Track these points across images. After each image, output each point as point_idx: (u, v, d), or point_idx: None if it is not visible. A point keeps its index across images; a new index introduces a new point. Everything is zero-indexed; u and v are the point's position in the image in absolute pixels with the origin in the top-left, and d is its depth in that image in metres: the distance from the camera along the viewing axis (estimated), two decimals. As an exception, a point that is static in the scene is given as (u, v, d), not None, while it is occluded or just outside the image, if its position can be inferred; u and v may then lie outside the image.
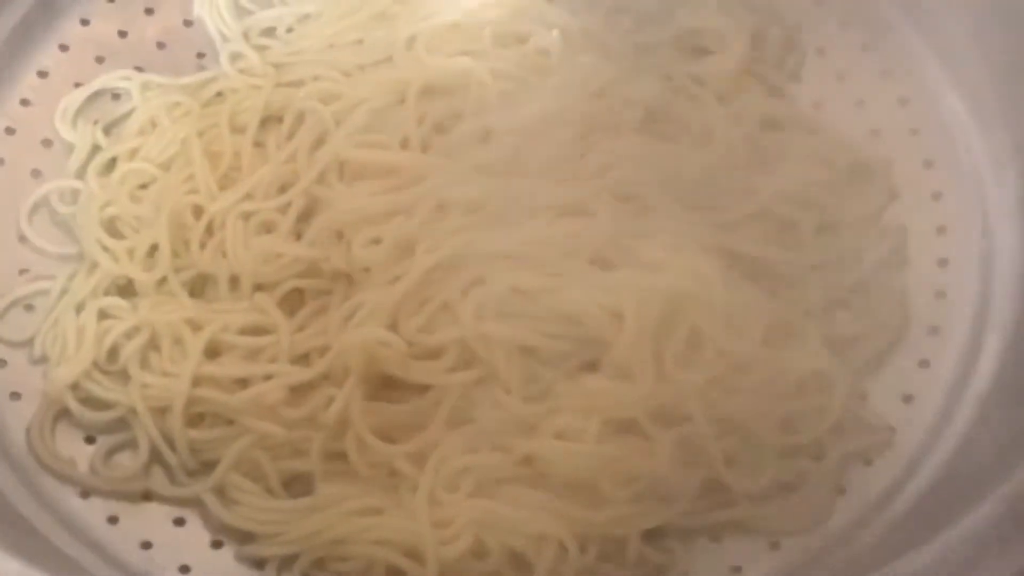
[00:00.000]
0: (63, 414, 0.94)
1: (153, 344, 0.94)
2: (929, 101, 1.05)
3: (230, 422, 0.92)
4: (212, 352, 0.93)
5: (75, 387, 0.93)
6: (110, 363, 0.94)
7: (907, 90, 1.05)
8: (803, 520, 0.92)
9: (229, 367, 0.92)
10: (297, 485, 0.91)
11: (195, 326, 0.93)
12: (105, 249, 0.96)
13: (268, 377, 0.92)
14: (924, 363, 0.97)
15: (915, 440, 0.95)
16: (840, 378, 0.93)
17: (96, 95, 1.04)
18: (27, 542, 0.88)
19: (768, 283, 0.96)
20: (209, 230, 0.96)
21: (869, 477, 0.93)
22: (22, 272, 0.98)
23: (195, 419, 0.92)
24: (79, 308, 0.95)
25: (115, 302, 0.95)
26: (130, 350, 0.93)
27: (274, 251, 0.94)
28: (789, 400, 0.92)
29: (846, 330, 0.96)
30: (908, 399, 0.96)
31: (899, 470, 0.94)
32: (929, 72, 1.05)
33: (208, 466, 0.92)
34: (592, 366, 0.91)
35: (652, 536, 0.90)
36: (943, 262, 1.00)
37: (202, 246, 0.96)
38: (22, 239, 0.99)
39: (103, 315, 0.95)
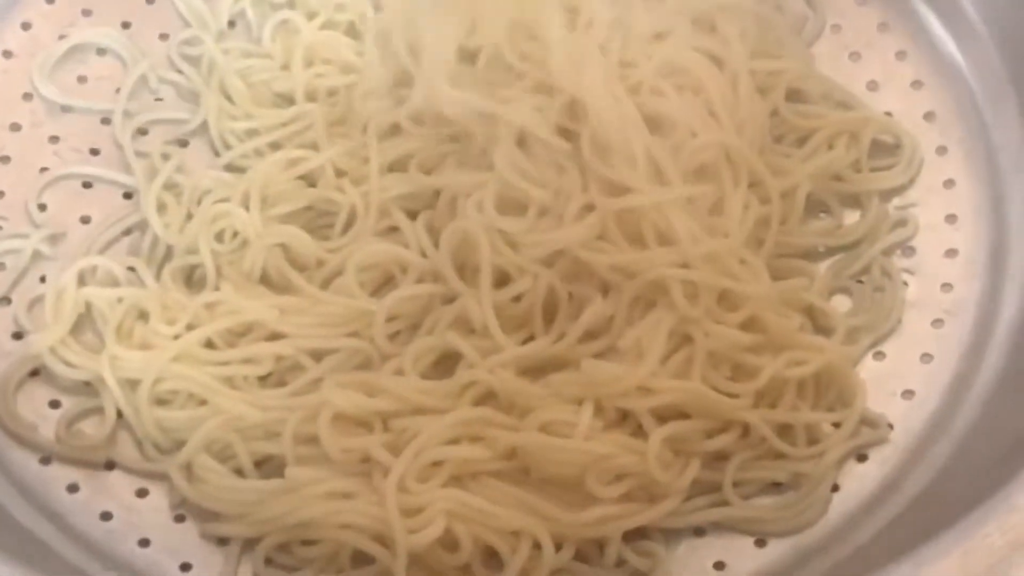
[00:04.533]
0: (30, 377, 0.92)
1: (140, 315, 0.92)
2: (945, 84, 1.02)
3: (203, 402, 0.89)
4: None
5: (52, 350, 0.91)
6: (85, 330, 0.92)
7: (922, 73, 1.03)
8: (796, 522, 0.89)
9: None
10: (268, 467, 0.89)
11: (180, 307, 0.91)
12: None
13: (248, 360, 0.90)
14: (927, 357, 0.94)
15: (913, 437, 0.92)
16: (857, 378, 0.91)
17: (78, 48, 1.02)
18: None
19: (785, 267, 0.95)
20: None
21: (863, 474, 0.91)
22: (-7, 228, 0.97)
23: (167, 396, 0.90)
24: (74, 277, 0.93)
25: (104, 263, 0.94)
26: (111, 319, 0.91)
27: None
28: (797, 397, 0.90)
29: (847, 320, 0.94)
30: (908, 394, 0.93)
31: (895, 468, 0.91)
32: (944, 55, 1.03)
33: (179, 444, 0.89)
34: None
35: (633, 535, 0.88)
36: (952, 252, 0.97)
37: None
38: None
39: (83, 281, 0.93)
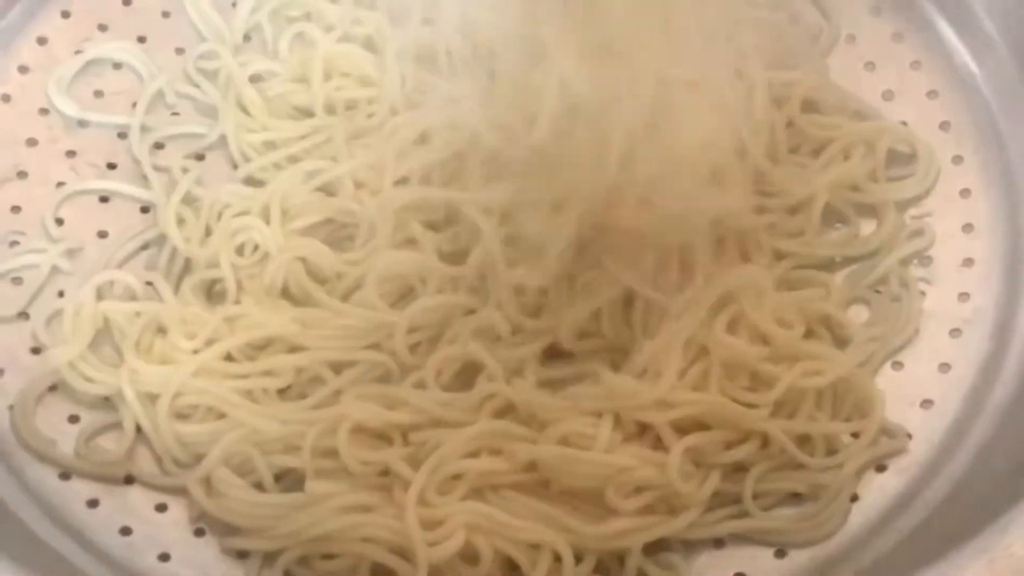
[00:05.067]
0: (49, 392, 0.92)
1: (159, 330, 0.92)
2: (960, 94, 1.02)
3: (222, 415, 0.89)
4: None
5: (71, 365, 0.91)
6: (104, 344, 0.92)
7: (937, 83, 1.02)
8: (816, 533, 0.89)
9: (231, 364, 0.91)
10: (288, 481, 0.89)
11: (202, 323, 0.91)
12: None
13: (267, 372, 0.90)
14: (944, 367, 0.94)
15: (932, 447, 0.91)
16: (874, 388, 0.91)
17: (94, 63, 1.02)
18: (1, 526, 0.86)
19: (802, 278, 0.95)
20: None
21: (883, 484, 0.90)
22: (12, 244, 0.96)
23: (187, 410, 0.90)
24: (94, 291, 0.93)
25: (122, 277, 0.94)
26: (129, 334, 0.91)
27: None
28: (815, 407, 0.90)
29: (864, 330, 0.94)
30: (927, 404, 0.93)
31: (914, 478, 0.90)
32: (959, 64, 1.03)
33: (198, 458, 0.89)
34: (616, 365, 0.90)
35: (653, 547, 0.87)
36: (969, 262, 0.97)
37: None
38: (15, 209, 0.97)
39: (101, 295, 0.93)
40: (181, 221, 0.95)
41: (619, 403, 0.87)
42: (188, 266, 0.94)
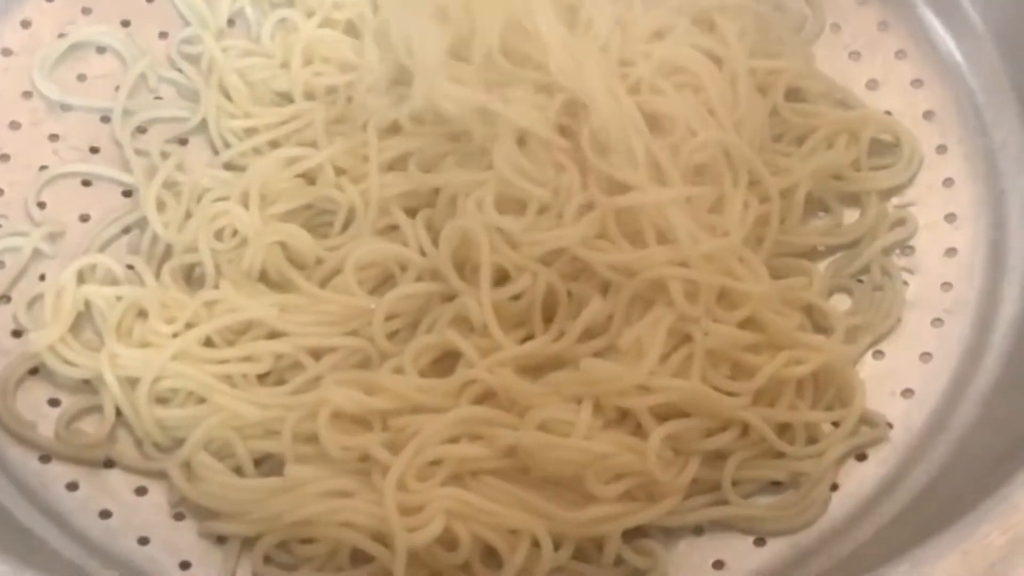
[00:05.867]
0: (29, 375, 0.92)
1: (140, 313, 0.91)
2: (944, 83, 1.02)
3: (202, 400, 0.89)
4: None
5: (52, 349, 0.91)
6: (85, 328, 0.92)
7: (922, 72, 1.02)
8: (796, 521, 0.89)
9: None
10: (267, 466, 0.89)
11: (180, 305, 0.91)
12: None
13: (247, 358, 0.90)
14: (926, 356, 0.94)
15: (912, 436, 0.91)
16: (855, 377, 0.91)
17: (78, 47, 1.02)
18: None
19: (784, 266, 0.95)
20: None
21: (863, 473, 0.90)
22: (-7, 226, 0.97)
23: (167, 394, 0.90)
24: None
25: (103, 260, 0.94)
26: (110, 317, 0.91)
27: None
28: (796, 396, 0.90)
29: (846, 319, 0.94)
30: (907, 393, 0.93)
31: (894, 467, 0.91)
32: (944, 54, 1.03)
33: (178, 442, 0.89)
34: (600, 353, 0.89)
35: (632, 534, 0.87)
36: (951, 251, 0.97)
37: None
38: (-1, 192, 0.98)
39: (82, 279, 0.93)
40: (162, 205, 0.95)
41: (599, 388, 0.87)
42: (169, 250, 0.94)
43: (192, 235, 0.93)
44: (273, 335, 0.90)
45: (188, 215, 0.94)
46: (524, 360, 0.89)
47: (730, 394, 0.88)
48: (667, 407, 0.88)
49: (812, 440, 0.90)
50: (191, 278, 0.93)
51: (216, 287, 0.92)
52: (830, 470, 0.89)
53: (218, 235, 0.93)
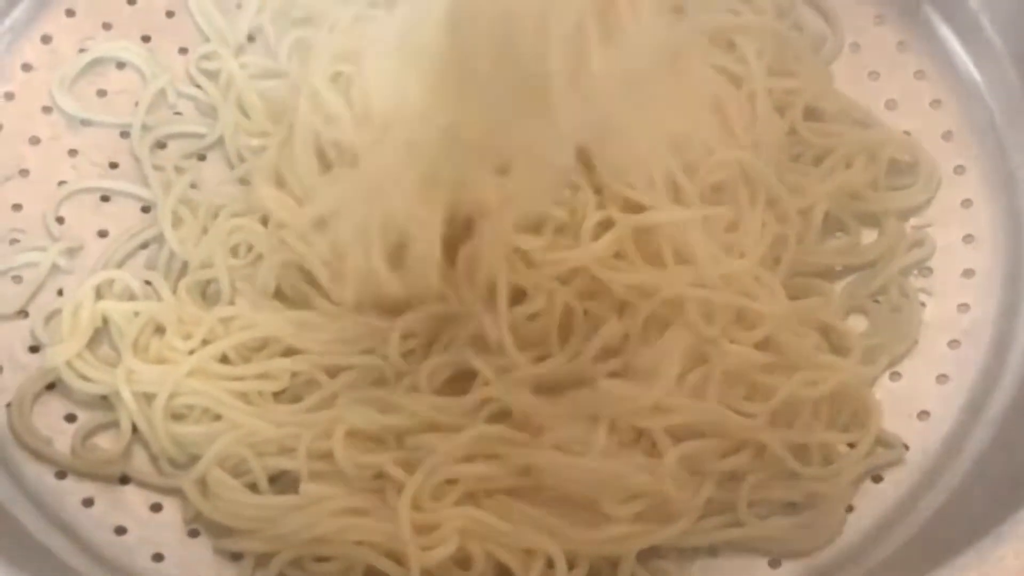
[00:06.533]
0: (46, 391, 0.92)
1: (157, 329, 0.92)
2: (963, 104, 1.01)
3: (218, 417, 0.89)
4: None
5: (69, 364, 0.91)
6: (102, 343, 0.92)
7: (941, 92, 1.02)
8: (811, 542, 0.89)
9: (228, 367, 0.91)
10: (282, 483, 0.89)
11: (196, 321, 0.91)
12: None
13: (263, 375, 0.90)
14: (942, 378, 0.93)
15: (928, 458, 0.91)
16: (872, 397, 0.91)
17: (98, 62, 1.02)
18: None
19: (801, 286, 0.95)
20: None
21: (878, 494, 0.90)
22: (12, 242, 0.96)
23: (183, 411, 0.90)
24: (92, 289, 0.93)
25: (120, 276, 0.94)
26: (127, 333, 0.91)
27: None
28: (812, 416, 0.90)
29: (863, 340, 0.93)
30: (924, 415, 0.93)
31: (910, 489, 0.90)
32: (963, 74, 1.02)
33: (194, 459, 0.89)
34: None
35: (647, 554, 0.87)
36: (969, 272, 0.96)
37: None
38: (16, 207, 0.98)
39: (100, 294, 0.93)
40: (179, 221, 0.95)
41: (615, 408, 0.87)
42: (187, 266, 0.94)
43: (208, 251, 0.93)
44: (289, 352, 0.90)
45: (205, 231, 0.94)
46: (540, 379, 0.89)
47: (746, 415, 0.88)
48: (683, 428, 0.88)
49: (828, 461, 0.90)
50: (207, 294, 0.93)
51: (231, 303, 0.92)
52: (846, 491, 0.89)
53: (234, 251, 0.93)
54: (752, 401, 0.89)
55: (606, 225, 0.90)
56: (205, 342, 0.90)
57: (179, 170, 0.97)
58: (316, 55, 0.96)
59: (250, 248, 0.93)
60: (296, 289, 0.92)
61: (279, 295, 0.92)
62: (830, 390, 0.90)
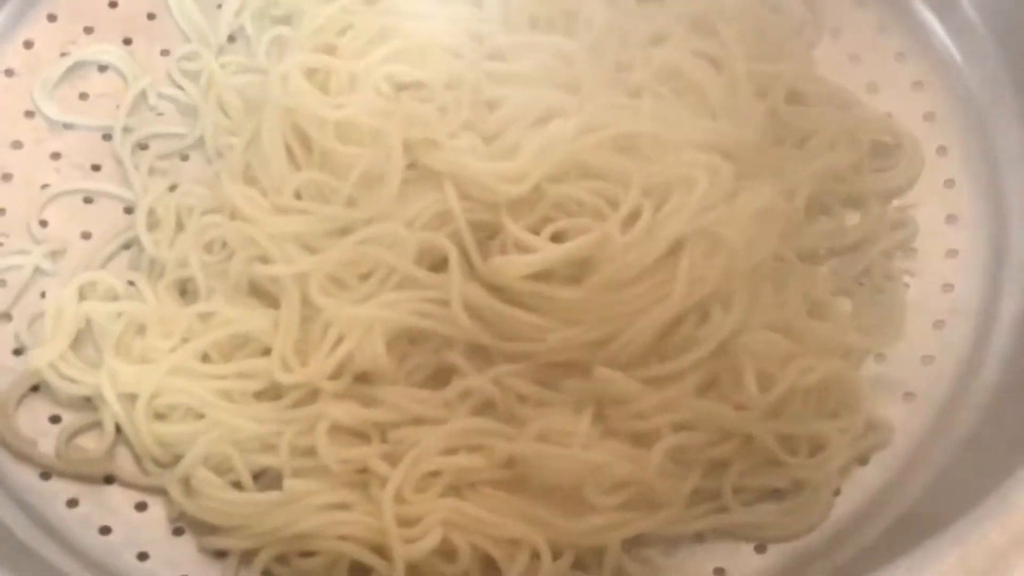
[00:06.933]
0: (30, 392, 0.92)
1: (140, 329, 0.91)
2: (944, 85, 1.01)
3: (200, 416, 0.89)
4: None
5: (52, 366, 0.91)
6: (86, 345, 0.92)
7: (922, 74, 1.02)
8: (797, 527, 0.89)
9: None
10: (266, 480, 0.89)
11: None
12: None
13: (243, 375, 0.90)
14: (928, 359, 0.93)
15: (914, 440, 0.91)
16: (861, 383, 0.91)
17: (79, 66, 1.02)
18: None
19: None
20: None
21: (864, 477, 0.90)
22: (-4, 245, 0.97)
23: (165, 410, 0.90)
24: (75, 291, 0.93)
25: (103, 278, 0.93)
26: (110, 334, 0.91)
27: None
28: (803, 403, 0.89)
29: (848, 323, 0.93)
30: (909, 396, 0.92)
31: (895, 471, 0.90)
32: (944, 55, 1.02)
33: (177, 458, 0.89)
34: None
35: (632, 543, 0.87)
36: (952, 253, 0.96)
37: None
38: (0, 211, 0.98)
39: (83, 296, 0.93)
40: (156, 223, 0.95)
41: (614, 410, 0.87)
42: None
43: (183, 249, 0.93)
44: (268, 352, 0.90)
45: (180, 230, 0.94)
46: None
47: (739, 407, 0.88)
48: (679, 423, 0.88)
49: (816, 447, 0.89)
50: (185, 293, 0.93)
51: (208, 300, 0.91)
52: (834, 477, 0.89)
53: (208, 248, 0.93)
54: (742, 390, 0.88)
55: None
56: (185, 340, 0.90)
57: (157, 171, 0.97)
58: (291, 50, 0.96)
59: (223, 244, 0.93)
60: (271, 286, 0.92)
61: (255, 292, 0.92)
62: (821, 376, 0.89)
